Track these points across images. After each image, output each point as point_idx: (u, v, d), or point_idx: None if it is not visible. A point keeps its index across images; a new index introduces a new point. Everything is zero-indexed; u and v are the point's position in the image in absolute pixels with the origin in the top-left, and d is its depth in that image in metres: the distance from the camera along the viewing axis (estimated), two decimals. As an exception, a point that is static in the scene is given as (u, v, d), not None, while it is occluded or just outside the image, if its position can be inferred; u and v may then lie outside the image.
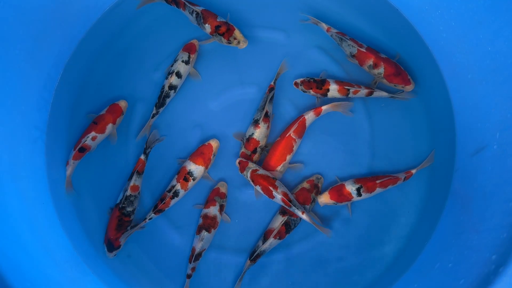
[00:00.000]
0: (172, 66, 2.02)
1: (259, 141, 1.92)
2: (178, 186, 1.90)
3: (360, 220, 1.95)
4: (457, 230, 1.74)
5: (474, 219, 1.67)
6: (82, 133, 1.96)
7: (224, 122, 2.04)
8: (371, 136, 2.01)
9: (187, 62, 2.01)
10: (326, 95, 1.97)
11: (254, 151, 1.92)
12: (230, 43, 2.00)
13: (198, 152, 1.94)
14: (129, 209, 1.88)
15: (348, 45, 1.97)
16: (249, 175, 1.88)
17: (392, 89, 2.00)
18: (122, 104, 2.00)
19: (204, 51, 2.09)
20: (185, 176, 1.91)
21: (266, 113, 1.92)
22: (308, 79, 1.99)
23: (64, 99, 2.01)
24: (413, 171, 1.91)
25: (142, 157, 1.93)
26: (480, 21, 1.72)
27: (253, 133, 1.92)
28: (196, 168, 1.92)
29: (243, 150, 1.93)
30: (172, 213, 1.97)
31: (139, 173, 1.92)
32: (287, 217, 1.83)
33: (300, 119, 1.90)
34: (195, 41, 2.07)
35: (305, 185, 1.90)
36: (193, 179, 1.91)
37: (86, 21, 2.05)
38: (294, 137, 1.89)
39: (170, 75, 1.99)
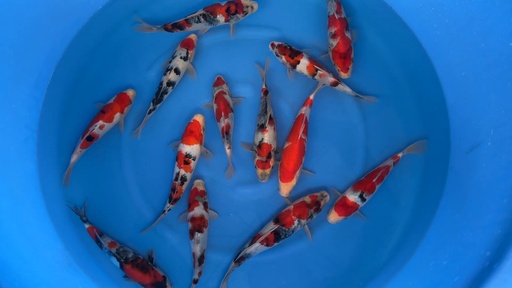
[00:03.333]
0: (170, 62, 2.00)
1: (271, 144, 1.89)
2: (183, 171, 1.88)
3: (354, 219, 1.93)
4: (452, 228, 1.72)
5: (469, 216, 1.65)
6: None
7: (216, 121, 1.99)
8: (366, 136, 2.00)
9: (185, 58, 1.99)
10: (295, 67, 1.97)
11: (269, 156, 1.89)
12: (246, 13, 2.01)
13: (187, 132, 1.92)
14: (130, 255, 1.85)
15: (332, 5, 1.98)
16: (217, 91, 1.93)
17: (356, 88, 1.99)
18: (130, 93, 1.97)
19: (196, 49, 2.07)
20: (184, 160, 1.89)
21: (270, 116, 1.90)
22: (285, 44, 1.99)
23: (55, 99, 1.98)
24: (400, 154, 1.90)
25: (87, 226, 1.88)
26: (473, 18, 1.71)
27: (263, 138, 1.89)
28: (191, 148, 1.90)
29: (258, 158, 1.89)
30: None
31: (101, 235, 1.87)
32: (278, 226, 1.81)
33: (303, 119, 1.87)
34: (193, 36, 2.04)
35: (307, 199, 1.87)
36: (193, 159, 1.90)
37: (79, 20, 2.02)
38: (304, 138, 1.87)
39: (168, 72, 1.96)
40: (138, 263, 1.83)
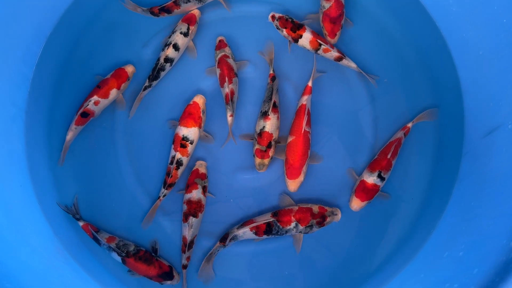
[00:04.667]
0: (169, 37, 1.90)
1: (272, 133, 1.82)
2: (179, 155, 1.82)
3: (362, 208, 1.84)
4: (466, 216, 1.65)
5: (486, 204, 1.57)
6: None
7: (217, 103, 1.93)
8: (373, 119, 1.92)
9: (185, 34, 1.89)
10: (297, 41, 1.88)
11: (269, 146, 1.82)
12: None
13: (186, 114, 1.85)
14: (131, 248, 1.79)
15: None
16: (219, 55, 1.86)
17: (362, 67, 1.90)
18: (129, 69, 1.90)
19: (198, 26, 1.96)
20: (181, 143, 1.82)
21: (274, 103, 1.82)
22: (286, 17, 1.89)
23: (45, 75, 1.89)
24: (409, 124, 1.84)
25: (81, 223, 1.81)
26: (494, -10, 1.61)
27: (264, 126, 1.82)
28: (189, 131, 1.83)
29: (257, 146, 1.82)
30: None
31: (97, 232, 1.80)
32: (273, 219, 1.75)
33: (305, 109, 1.80)
34: (196, 12, 1.94)
35: (315, 208, 1.79)
36: (191, 143, 1.83)
37: (70, -8, 1.96)
38: (308, 130, 1.80)
39: (166, 47, 1.88)
40: (140, 255, 1.77)
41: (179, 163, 1.81)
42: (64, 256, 1.78)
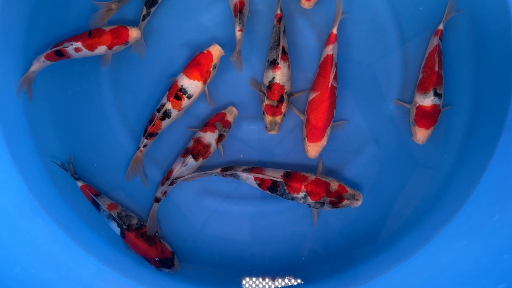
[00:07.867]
0: None
1: (283, 85, 1.67)
2: (169, 105, 1.67)
3: (385, 160, 1.73)
4: None
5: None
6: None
7: (219, 40, 1.75)
8: (404, 63, 1.73)
9: None
10: None
11: (281, 100, 1.68)
12: None
13: (194, 63, 1.68)
14: (134, 221, 1.69)
15: None
16: None
17: None
18: (133, 33, 1.72)
19: None
20: (176, 94, 1.65)
21: (283, 49, 1.67)
22: None
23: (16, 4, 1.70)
24: (440, 26, 1.68)
25: (80, 184, 1.70)
26: None
27: (274, 77, 1.67)
28: (190, 84, 1.66)
29: (266, 102, 1.69)
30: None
31: (98, 195, 1.70)
32: (282, 181, 1.63)
33: (332, 61, 1.65)
34: None
35: (334, 184, 1.62)
36: (188, 97, 1.67)
37: None
38: (335, 85, 1.66)
39: None
40: (143, 232, 1.68)
41: (166, 114, 1.68)
42: (40, 216, 1.67)
